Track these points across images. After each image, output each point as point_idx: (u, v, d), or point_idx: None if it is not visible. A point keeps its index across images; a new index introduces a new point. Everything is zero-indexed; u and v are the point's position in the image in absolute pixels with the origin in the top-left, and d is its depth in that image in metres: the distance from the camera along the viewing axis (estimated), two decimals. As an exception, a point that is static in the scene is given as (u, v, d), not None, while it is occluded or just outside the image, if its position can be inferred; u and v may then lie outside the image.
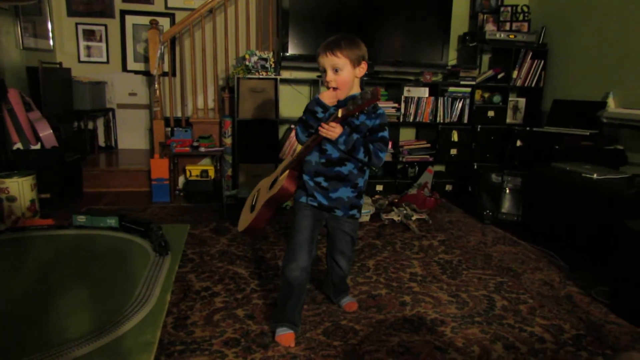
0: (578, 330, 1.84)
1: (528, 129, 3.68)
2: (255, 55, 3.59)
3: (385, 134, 1.66)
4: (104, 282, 2.11)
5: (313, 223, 1.73)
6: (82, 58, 4.35)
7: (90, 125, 4.33)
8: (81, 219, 2.78)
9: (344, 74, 1.62)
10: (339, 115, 1.56)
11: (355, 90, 1.68)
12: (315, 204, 1.72)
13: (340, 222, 1.77)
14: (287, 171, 1.76)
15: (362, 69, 1.65)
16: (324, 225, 1.81)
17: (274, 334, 1.70)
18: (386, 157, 3.74)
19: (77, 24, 4.28)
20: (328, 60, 1.61)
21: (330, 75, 1.63)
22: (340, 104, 1.67)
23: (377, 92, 1.47)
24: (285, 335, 1.68)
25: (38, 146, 3.23)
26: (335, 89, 1.64)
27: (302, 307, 1.77)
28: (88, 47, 4.36)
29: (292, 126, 3.80)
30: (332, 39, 1.63)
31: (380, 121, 1.65)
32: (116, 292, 2.00)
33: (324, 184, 1.70)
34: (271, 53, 3.64)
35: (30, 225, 2.76)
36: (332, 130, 1.58)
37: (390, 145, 3.88)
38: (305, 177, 1.73)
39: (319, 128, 1.60)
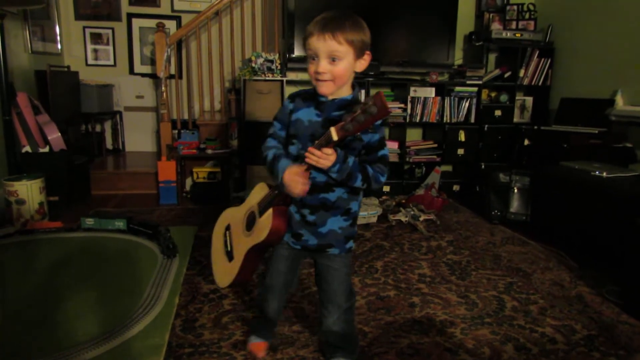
0: (590, 331, 1.82)
1: (536, 127, 3.65)
2: (261, 57, 3.59)
3: (386, 151, 1.32)
4: (113, 284, 2.12)
5: (290, 265, 1.46)
6: (90, 61, 4.38)
7: (98, 128, 4.36)
8: (89, 221, 2.80)
9: (342, 65, 1.23)
10: (334, 137, 1.16)
11: (347, 90, 1.31)
12: (299, 246, 1.39)
13: (333, 259, 1.41)
14: (272, 209, 1.36)
15: (365, 61, 1.28)
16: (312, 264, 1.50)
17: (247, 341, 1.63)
18: (393, 157, 3.76)
19: (84, 27, 4.31)
20: (325, 45, 1.21)
21: (324, 65, 1.22)
22: (327, 106, 1.30)
23: (383, 102, 1.08)
24: (256, 344, 1.61)
25: (46, 149, 3.25)
26: (319, 81, 1.26)
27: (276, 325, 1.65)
28: (95, 51, 4.39)
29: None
30: (331, 17, 1.23)
31: (380, 136, 1.30)
32: (124, 294, 2.01)
33: (310, 217, 1.35)
34: (277, 55, 3.64)
35: (39, 227, 2.78)
36: (326, 159, 1.19)
37: (397, 146, 3.87)
38: (292, 208, 1.38)
39: (307, 154, 1.20)
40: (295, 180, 1.25)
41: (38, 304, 1.92)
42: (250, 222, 1.48)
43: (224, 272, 1.59)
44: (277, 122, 1.41)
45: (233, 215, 1.62)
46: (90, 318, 1.80)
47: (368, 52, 1.28)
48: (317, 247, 1.38)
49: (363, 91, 3.66)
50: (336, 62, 1.23)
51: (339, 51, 1.22)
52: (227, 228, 1.63)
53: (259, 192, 1.48)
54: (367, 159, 1.30)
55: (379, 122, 1.20)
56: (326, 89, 1.27)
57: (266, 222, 1.37)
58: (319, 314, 1.51)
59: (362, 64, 1.28)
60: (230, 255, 1.57)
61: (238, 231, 1.54)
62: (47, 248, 2.54)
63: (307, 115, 1.32)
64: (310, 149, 1.21)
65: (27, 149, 3.17)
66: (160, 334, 1.69)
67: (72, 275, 2.22)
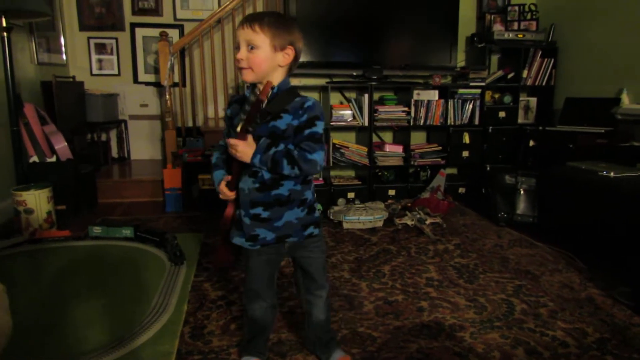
0: (602, 334, 1.80)
1: (541, 128, 3.64)
2: (265, 63, 3.60)
3: (317, 129, 1.32)
4: (121, 292, 2.12)
5: (273, 264, 1.48)
6: (94, 71, 4.42)
7: (104, 137, 4.39)
8: (97, 229, 2.81)
9: (259, 53, 1.29)
10: (238, 129, 1.29)
11: (276, 81, 1.34)
12: (258, 246, 1.40)
13: (302, 246, 1.45)
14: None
15: (287, 56, 1.32)
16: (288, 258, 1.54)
17: None
18: (397, 160, 3.76)
19: (89, 38, 4.35)
20: (243, 34, 1.29)
21: (242, 52, 1.30)
22: (250, 102, 1.35)
23: (265, 88, 1.24)
24: None
25: (53, 159, 3.27)
26: (240, 68, 1.33)
27: (269, 337, 1.64)
28: (100, 61, 4.43)
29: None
30: (256, 13, 1.39)
31: (308, 115, 1.32)
32: (133, 302, 2.01)
33: (264, 214, 1.36)
34: (280, 60, 3.65)
35: (48, 236, 2.79)
36: (242, 151, 1.29)
37: (401, 149, 3.87)
38: (241, 212, 1.38)
39: (229, 148, 1.31)
40: (221, 191, 1.39)
41: (47, 312, 1.93)
42: None
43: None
44: (225, 131, 1.47)
45: None
46: (99, 326, 1.80)
47: (291, 47, 1.33)
48: (275, 240, 1.40)
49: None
50: (253, 50, 1.30)
51: (256, 40, 1.29)
52: None
53: None
54: (296, 140, 1.32)
55: (313, 101, 1.33)
56: (246, 77, 1.33)
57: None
58: (305, 309, 1.57)
59: (285, 58, 1.33)
60: None
61: None
62: (55, 257, 2.56)
63: (240, 116, 1.38)
64: (228, 140, 1.32)
65: (35, 158, 3.20)
66: (169, 341, 1.69)
67: (80, 283, 2.23)
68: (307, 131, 1.31)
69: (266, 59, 1.31)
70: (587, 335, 1.79)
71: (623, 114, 3.08)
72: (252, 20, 1.30)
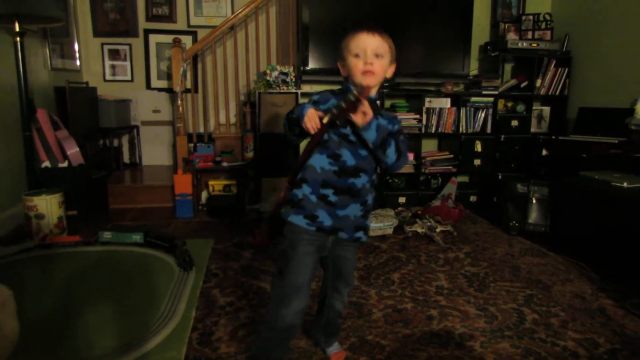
0: (613, 344, 1.77)
1: (554, 137, 3.60)
2: (276, 70, 3.62)
3: (405, 139, 1.43)
4: (130, 297, 2.13)
5: (314, 261, 1.43)
6: (108, 77, 4.47)
7: (116, 143, 4.42)
8: (107, 235, 2.83)
9: (383, 62, 1.37)
10: (324, 119, 1.30)
11: (374, 90, 1.42)
12: (314, 227, 1.38)
13: (344, 246, 1.48)
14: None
15: (392, 68, 1.43)
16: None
17: None
18: (408, 168, 3.75)
19: (102, 44, 4.41)
20: (373, 41, 1.35)
21: (371, 57, 1.35)
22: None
23: (360, 96, 1.21)
24: None
25: (65, 164, 3.31)
26: (368, 72, 1.35)
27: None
28: (113, 66, 4.48)
29: (337, 106, 3.80)
30: (369, 23, 1.39)
31: (399, 127, 1.42)
32: (142, 307, 2.01)
33: (332, 198, 1.37)
34: (292, 67, 3.67)
35: (58, 242, 2.81)
36: (363, 106, 1.25)
37: (412, 157, 3.85)
38: (306, 190, 1.39)
39: (342, 106, 1.24)
40: (313, 117, 1.31)
41: (57, 318, 1.94)
42: None
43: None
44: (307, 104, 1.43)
45: None
46: (108, 331, 1.81)
47: (395, 62, 1.44)
48: (330, 229, 1.40)
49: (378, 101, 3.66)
50: (379, 58, 1.36)
51: (383, 48, 1.37)
52: None
53: None
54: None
55: (399, 118, 1.45)
56: (372, 81, 1.37)
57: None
58: (327, 303, 1.59)
59: (391, 70, 1.43)
60: None
61: None
62: (65, 262, 2.57)
63: (331, 104, 1.38)
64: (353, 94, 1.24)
65: (47, 164, 3.23)
66: (177, 347, 1.69)
67: (90, 288, 2.24)
68: (401, 137, 1.40)
69: (385, 69, 1.40)
70: (599, 346, 1.76)
71: (637, 124, 3.04)
72: (379, 31, 1.38)
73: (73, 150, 3.36)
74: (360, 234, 1.46)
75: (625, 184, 2.54)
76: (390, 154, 1.35)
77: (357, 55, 1.36)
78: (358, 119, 1.27)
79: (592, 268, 2.52)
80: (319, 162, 1.38)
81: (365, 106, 1.26)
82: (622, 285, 2.30)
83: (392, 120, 1.41)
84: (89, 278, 2.36)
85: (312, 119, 1.31)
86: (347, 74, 1.41)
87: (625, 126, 3.15)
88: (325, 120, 1.30)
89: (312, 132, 1.32)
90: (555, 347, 1.75)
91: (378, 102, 1.47)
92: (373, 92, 1.41)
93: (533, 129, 4.04)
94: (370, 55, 1.35)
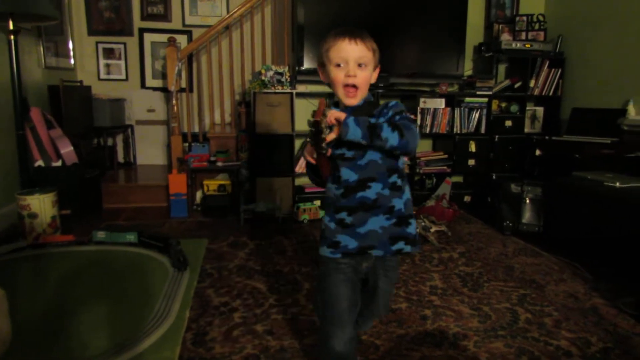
0: (605, 343, 1.78)
1: (547, 138, 3.63)
2: (271, 69, 3.62)
3: (407, 115, 1.27)
4: (124, 298, 2.12)
5: (352, 286, 1.33)
6: (102, 76, 4.45)
7: (110, 142, 4.41)
8: (101, 234, 2.82)
9: (367, 72, 1.28)
10: (334, 135, 1.17)
11: (362, 97, 1.32)
12: (339, 254, 1.30)
13: (380, 268, 1.37)
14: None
15: (376, 73, 1.34)
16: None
17: None
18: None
19: (97, 42, 4.39)
20: (356, 50, 1.25)
21: (353, 69, 1.25)
22: (347, 111, 1.24)
23: (316, 118, 1.11)
24: None
25: (59, 163, 3.29)
26: (352, 87, 1.27)
27: None
28: (108, 65, 4.46)
29: (308, 139, 3.80)
30: (354, 28, 1.28)
31: (394, 110, 1.27)
32: (135, 308, 2.01)
33: (348, 219, 1.29)
34: (287, 67, 3.67)
35: (51, 241, 2.80)
36: (331, 115, 1.15)
37: (407, 157, 3.86)
38: (326, 219, 1.34)
39: (311, 134, 1.15)
40: (309, 152, 1.27)
41: (50, 318, 1.93)
42: None
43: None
44: None
45: None
46: (101, 331, 1.80)
47: (379, 66, 1.34)
48: (358, 250, 1.29)
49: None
50: (362, 68, 1.27)
51: (367, 57, 1.27)
52: None
53: None
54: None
55: (393, 102, 1.28)
56: (355, 100, 1.29)
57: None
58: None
59: (375, 74, 1.34)
60: None
61: None
62: (58, 262, 2.56)
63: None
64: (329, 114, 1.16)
65: (40, 163, 3.21)
66: (171, 347, 1.69)
67: (83, 288, 2.23)
68: (397, 117, 1.25)
69: (369, 77, 1.30)
70: (591, 345, 1.77)
71: (629, 124, 3.07)
72: (362, 36, 1.26)
73: (67, 149, 3.35)
74: (400, 244, 1.30)
75: (617, 184, 2.56)
76: (389, 136, 1.16)
77: (338, 65, 1.27)
78: (334, 134, 1.16)
79: (585, 268, 2.53)
80: (330, 190, 1.33)
81: (331, 115, 1.15)
82: (614, 285, 2.32)
83: (384, 112, 1.28)
84: (82, 278, 2.35)
85: (309, 153, 1.28)
86: (328, 82, 1.33)
87: (617, 126, 3.17)
88: (314, 156, 1.25)
89: (314, 162, 1.26)
90: (549, 346, 1.76)
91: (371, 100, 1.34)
92: (357, 101, 1.30)
93: (527, 130, 4.07)
94: (353, 67, 1.25)
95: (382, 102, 1.32)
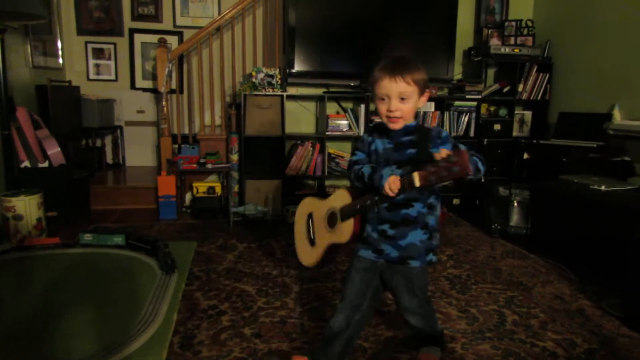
0: (590, 345, 1.81)
1: (535, 141, 3.66)
2: (262, 72, 3.62)
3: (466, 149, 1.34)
4: (110, 301, 2.10)
5: (364, 279, 1.53)
6: (91, 76, 4.41)
7: (99, 143, 4.37)
8: (88, 237, 2.79)
9: (410, 103, 1.40)
10: (417, 183, 1.27)
11: (409, 118, 1.45)
12: (382, 259, 1.50)
13: (405, 274, 1.50)
14: (354, 218, 1.54)
15: (425, 97, 1.45)
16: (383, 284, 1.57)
17: None
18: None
19: (86, 42, 4.35)
20: (397, 87, 1.37)
21: (396, 104, 1.39)
22: (396, 133, 1.44)
23: (465, 162, 1.17)
24: (298, 358, 1.61)
25: (46, 164, 3.25)
26: (391, 118, 1.41)
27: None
28: (97, 66, 4.42)
29: (299, 142, 3.81)
30: (398, 60, 1.42)
31: (451, 142, 1.41)
32: (122, 311, 1.99)
33: (390, 232, 1.46)
34: (277, 70, 3.67)
35: (37, 244, 2.76)
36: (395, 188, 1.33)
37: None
38: (368, 228, 1.52)
39: (384, 186, 1.34)
40: (394, 182, 1.34)
41: (35, 321, 1.91)
42: (331, 221, 1.64)
43: (307, 254, 1.79)
44: (359, 152, 1.57)
45: (315, 207, 1.76)
46: (87, 335, 1.78)
47: (428, 91, 1.46)
48: (398, 259, 1.48)
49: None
50: (405, 101, 1.40)
51: (407, 91, 1.39)
52: (310, 216, 1.78)
53: (340, 197, 1.61)
54: None
55: (446, 133, 1.44)
56: (397, 126, 1.44)
57: (348, 228, 1.55)
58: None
59: (423, 100, 1.45)
60: (312, 242, 1.76)
61: (320, 224, 1.71)
62: (44, 264, 2.53)
63: (382, 144, 1.49)
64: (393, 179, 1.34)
65: (27, 164, 3.17)
66: (158, 351, 1.67)
67: (69, 291, 2.20)
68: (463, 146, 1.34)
69: (414, 106, 1.43)
70: (577, 346, 1.79)
71: (615, 129, 3.11)
72: (403, 72, 1.37)
73: (54, 150, 3.31)
74: (431, 256, 1.51)
75: (603, 187, 2.59)
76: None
77: (382, 99, 1.42)
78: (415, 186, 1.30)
79: (572, 270, 2.56)
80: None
81: (392, 186, 1.33)
82: (600, 287, 2.35)
83: (437, 142, 1.40)
84: (68, 281, 2.33)
85: (394, 185, 1.34)
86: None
87: (603, 131, 3.21)
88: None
89: (392, 194, 1.35)
90: (535, 347, 1.78)
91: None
92: (400, 126, 1.44)
93: (515, 133, 4.10)
94: (395, 103, 1.39)
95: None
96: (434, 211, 1.49)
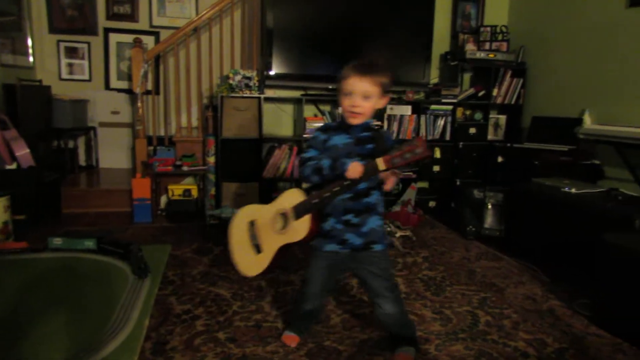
0: (561, 344, 1.84)
1: (508, 145, 3.73)
2: (239, 74, 3.59)
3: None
4: (80, 307, 2.05)
5: (327, 275, 1.68)
6: (64, 76, 4.31)
7: (71, 144, 4.27)
8: (57, 241, 2.71)
9: (372, 102, 1.54)
10: (381, 167, 1.43)
11: (366, 117, 1.58)
12: (347, 249, 1.60)
13: (369, 259, 1.61)
14: (311, 215, 1.62)
15: (385, 100, 1.58)
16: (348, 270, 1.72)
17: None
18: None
19: (58, 41, 4.25)
20: (362, 85, 1.51)
21: (359, 101, 1.52)
22: (355, 129, 1.57)
23: (425, 145, 1.38)
24: (289, 337, 1.79)
25: (14, 166, 3.16)
26: (353, 113, 1.54)
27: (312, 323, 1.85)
28: (70, 65, 4.33)
29: (276, 144, 3.79)
30: (367, 62, 1.55)
31: (392, 143, 1.57)
32: (92, 317, 1.94)
33: (354, 220, 1.58)
34: (255, 72, 3.65)
35: (2, 248, 2.66)
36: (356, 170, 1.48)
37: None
38: (331, 221, 1.60)
39: (349, 170, 1.47)
40: (357, 166, 1.47)
41: (2, 328, 1.84)
42: (281, 223, 1.67)
43: (252, 263, 1.75)
44: (313, 149, 1.65)
45: (258, 214, 1.75)
46: (55, 342, 1.73)
47: (388, 95, 1.58)
48: (362, 245, 1.60)
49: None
50: (367, 99, 1.53)
51: (371, 91, 1.52)
52: (252, 223, 1.75)
53: (291, 196, 1.65)
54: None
55: (388, 134, 1.64)
56: (357, 121, 1.56)
57: (304, 226, 1.62)
58: (374, 309, 1.70)
59: (383, 102, 1.57)
60: (258, 249, 1.73)
61: (266, 229, 1.71)
62: (11, 270, 2.45)
63: (341, 140, 1.60)
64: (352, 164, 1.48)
65: (-5, 165, 3.08)
66: (129, 357, 1.64)
67: (37, 297, 2.14)
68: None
69: (373, 106, 1.56)
70: (547, 346, 1.83)
71: (585, 133, 3.18)
72: (371, 72, 1.51)
73: (23, 151, 3.22)
74: (388, 238, 1.70)
75: (573, 190, 2.66)
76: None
77: (346, 95, 1.54)
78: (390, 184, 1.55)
79: (543, 271, 2.61)
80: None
81: (356, 170, 1.48)
82: (570, 287, 2.40)
83: (389, 139, 1.61)
84: (36, 286, 2.26)
85: (357, 169, 1.48)
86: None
87: (574, 135, 3.29)
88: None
89: (357, 177, 1.47)
90: (507, 347, 1.80)
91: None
92: (359, 122, 1.56)
93: (490, 137, 4.17)
94: (358, 99, 1.52)
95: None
96: (383, 198, 1.65)
